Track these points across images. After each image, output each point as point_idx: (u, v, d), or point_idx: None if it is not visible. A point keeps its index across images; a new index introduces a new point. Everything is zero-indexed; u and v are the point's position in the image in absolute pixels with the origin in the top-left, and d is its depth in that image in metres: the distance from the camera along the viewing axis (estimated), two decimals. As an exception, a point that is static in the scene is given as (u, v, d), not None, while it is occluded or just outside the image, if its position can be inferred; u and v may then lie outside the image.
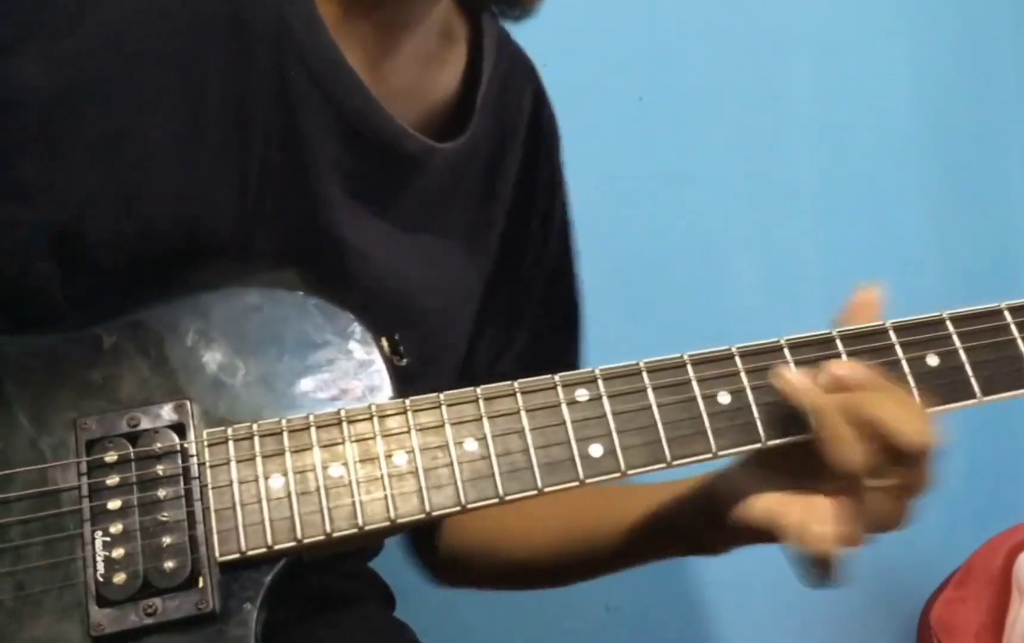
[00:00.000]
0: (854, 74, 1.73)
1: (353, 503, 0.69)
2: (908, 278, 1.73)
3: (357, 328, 0.74)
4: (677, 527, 0.86)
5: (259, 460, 0.69)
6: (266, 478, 0.69)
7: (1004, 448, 1.84)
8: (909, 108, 1.77)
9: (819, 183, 1.71)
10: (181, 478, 0.68)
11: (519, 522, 0.96)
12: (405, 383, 0.74)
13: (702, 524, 0.82)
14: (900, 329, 0.77)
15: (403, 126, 0.85)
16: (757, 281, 1.65)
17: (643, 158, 1.58)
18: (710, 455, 0.73)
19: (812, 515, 0.71)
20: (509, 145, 0.97)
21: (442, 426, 0.71)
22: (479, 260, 0.97)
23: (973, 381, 0.76)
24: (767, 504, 0.74)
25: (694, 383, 0.74)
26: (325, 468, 0.69)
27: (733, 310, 1.60)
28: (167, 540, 0.67)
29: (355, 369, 0.73)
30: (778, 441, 0.74)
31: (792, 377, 0.72)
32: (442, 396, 0.72)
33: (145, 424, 0.69)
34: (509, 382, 0.73)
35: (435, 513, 0.70)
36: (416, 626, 1.00)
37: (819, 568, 0.71)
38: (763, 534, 0.75)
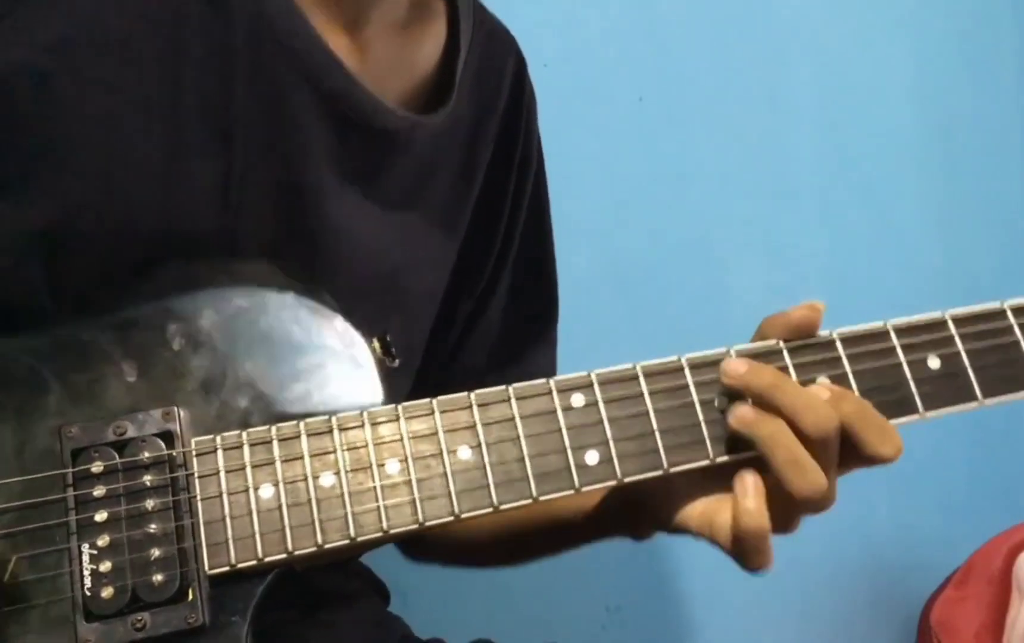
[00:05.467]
0: (854, 74, 1.73)
1: (345, 514, 0.68)
2: (909, 278, 1.72)
3: (348, 330, 0.73)
4: (610, 517, 0.85)
5: (249, 470, 0.68)
6: (256, 489, 0.67)
7: (1004, 448, 1.84)
8: (910, 108, 1.77)
9: (819, 183, 1.71)
10: (169, 489, 0.67)
11: None
12: (392, 373, 0.73)
13: (634, 516, 0.82)
14: (901, 330, 0.76)
15: (383, 101, 0.84)
16: (757, 281, 1.64)
17: (643, 158, 1.58)
18: (708, 462, 0.72)
19: (742, 512, 0.71)
20: (488, 117, 0.96)
21: (435, 434, 0.70)
22: (456, 237, 0.96)
23: (975, 383, 0.75)
24: (698, 516, 0.75)
25: (691, 387, 0.73)
26: (316, 478, 0.68)
27: (733, 310, 1.60)
28: (156, 553, 0.66)
29: (346, 373, 0.72)
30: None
31: (740, 412, 0.71)
32: (435, 402, 0.71)
33: (132, 432, 0.67)
34: (503, 387, 0.71)
35: (428, 523, 0.69)
36: (411, 622, 0.99)
37: (755, 557, 0.71)
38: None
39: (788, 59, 1.68)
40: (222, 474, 0.67)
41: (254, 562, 0.66)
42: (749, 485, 0.71)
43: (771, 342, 0.75)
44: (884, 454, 0.70)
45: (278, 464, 0.68)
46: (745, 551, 0.71)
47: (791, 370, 0.74)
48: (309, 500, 0.67)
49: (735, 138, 1.64)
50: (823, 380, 0.73)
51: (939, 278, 1.76)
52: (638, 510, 0.80)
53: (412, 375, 0.92)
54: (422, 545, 1.05)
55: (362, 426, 0.70)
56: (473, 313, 1.01)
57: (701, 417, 0.72)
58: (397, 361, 0.76)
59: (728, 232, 1.63)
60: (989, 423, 1.81)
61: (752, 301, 1.61)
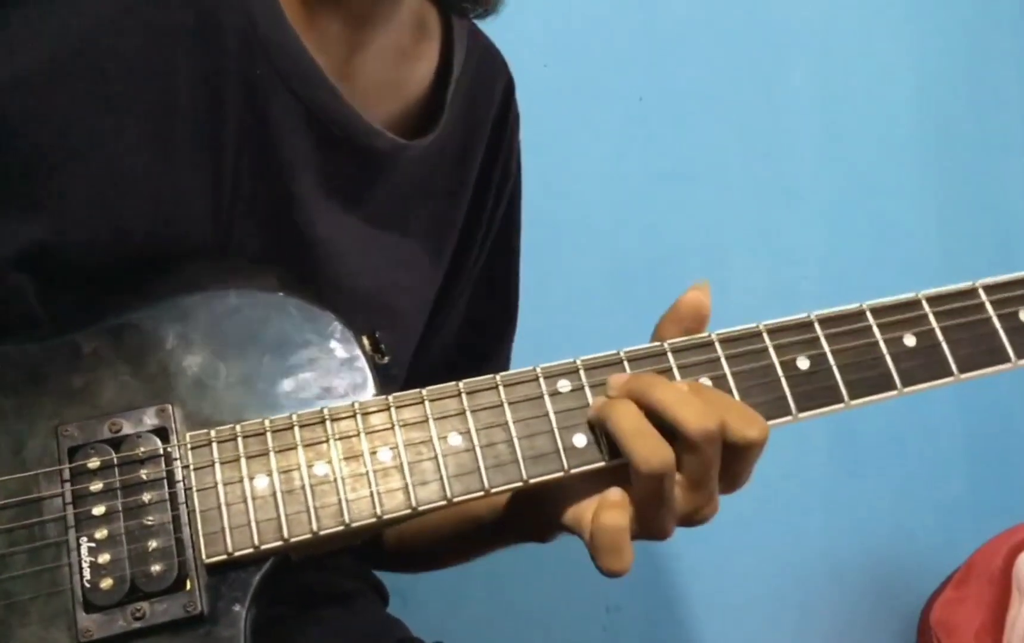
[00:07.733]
0: (854, 74, 1.74)
1: (339, 501, 0.69)
2: (908, 278, 1.72)
3: (338, 327, 0.75)
4: (513, 519, 0.86)
5: (243, 461, 0.69)
6: (251, 479, 0.69)
7: (1004, 448, 1.84)
8: (909, 108, 1.78)
9: (819, 183, 1.72)
10: (165, 482, 0.68)
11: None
12: (382, 384, 0.74)
13: (532, 518, 0.82)
14: (877, 310, 0.78)
15: (370, 123, 0.85)
16: (757, 281, 1.65)
17: (643, 158, 1.59)
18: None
19: (601, 508, 0.71)
20: (476, 140, 0.97)
21: (426, 421, 0.71)
22: (443, 258, 0.98)
23: (950, 359, 0.77)
24: (574, 512, 0.74)
25: (675, 371, 0.75)
26: (310, 467, 0.69)
27: (733, 310, 1.60)
28: (153, 544, 0.67)
29: (337, 367, 0.74)
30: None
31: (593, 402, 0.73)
32: (424, 391, 0.72)
33: (127, 429, 0.69)
34: (491, 375, 0.73)
35: (421, 508, 0.70)
36: (410, 623, 1.00)
37: (608, 556, 0.71)
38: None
39: (788, 59, 1.69)
40: (217, 465, 0.69)
41: (251, 550, 0.67)
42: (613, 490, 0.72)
43: (752, 326, 0.77)
44: (751, 437, 0.70)
45: (272, 455, 0.69)
46: (598, 547, 0.71)
47: (770, 351, 0.76)
48: (303, 488, 0.69)
49: (735, 138, 1.65)
50: (705, 380, 0.74)
51: (938, 278, 1.75)
52: (538, 511, 0.79)
53: (400, 388, 0.93)
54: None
55: (353, 416, 0.71)
56: (431, 327, 1.02)
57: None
58: (386, 358, 0.77)
59: (728, 232, 1.64)
60: (988, 424, 1.81)
61: (752, 301, 1.61)
